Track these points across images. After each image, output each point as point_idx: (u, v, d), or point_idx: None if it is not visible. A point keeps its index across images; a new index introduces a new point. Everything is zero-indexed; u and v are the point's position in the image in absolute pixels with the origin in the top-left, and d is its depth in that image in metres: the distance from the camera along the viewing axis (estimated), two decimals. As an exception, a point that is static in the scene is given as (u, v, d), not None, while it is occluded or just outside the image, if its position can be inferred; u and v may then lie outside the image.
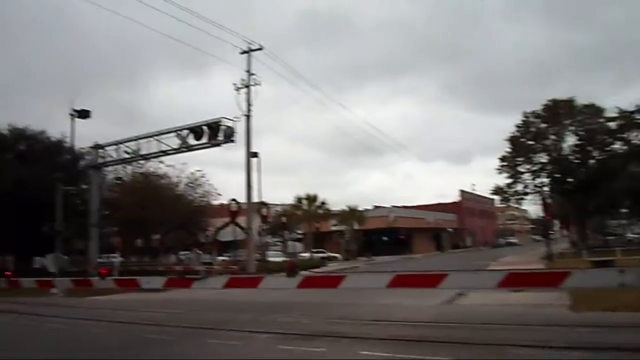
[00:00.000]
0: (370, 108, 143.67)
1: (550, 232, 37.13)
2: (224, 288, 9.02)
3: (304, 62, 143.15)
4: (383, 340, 8.80)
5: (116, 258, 30.51)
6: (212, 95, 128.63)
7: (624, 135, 37.56)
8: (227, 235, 35.88)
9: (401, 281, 7.36)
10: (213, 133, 23.73)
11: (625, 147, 37.64)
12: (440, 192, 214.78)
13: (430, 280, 7.31)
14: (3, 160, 33.04)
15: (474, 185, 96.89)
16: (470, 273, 7.29)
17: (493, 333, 9.09)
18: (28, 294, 19.18)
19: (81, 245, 32.75)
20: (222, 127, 23.68)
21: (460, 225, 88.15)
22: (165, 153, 26.55)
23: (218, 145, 24.29)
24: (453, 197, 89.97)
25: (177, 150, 25.57)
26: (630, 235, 55.51)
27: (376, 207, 71.06)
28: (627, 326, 9.22)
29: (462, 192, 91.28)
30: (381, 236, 63.13)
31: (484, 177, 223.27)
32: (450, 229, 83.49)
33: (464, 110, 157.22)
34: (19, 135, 35.02)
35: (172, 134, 24.88)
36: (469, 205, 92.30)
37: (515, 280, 6.97)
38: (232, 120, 24.34)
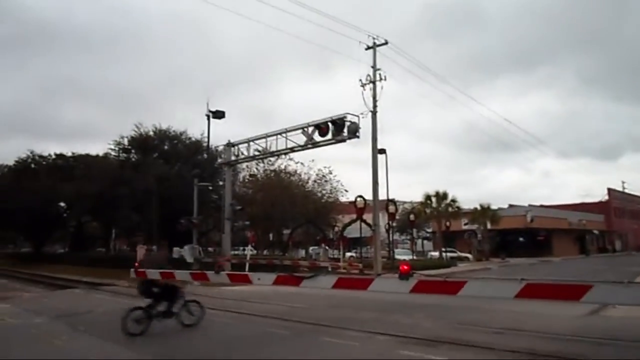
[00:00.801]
0: (503, 102, 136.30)
1: None
2: (332, 288, 8.63)
3: (432, 55, 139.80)
4: (514, 352, 7.92)
5: (249, 251, 31.80)
6: (338, 93, 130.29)
7: None
8: (354, 231, 35.85)
9: (533, 291, 6.34)
10: (338, 129, 23.59)
11: None
12: (585, 190, 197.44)
13: (570, 292, 6.22)
14: (149, 159, 36.07)
15: (624, 183, 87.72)
16: (621, 286, 6.08)
17: (650, 354, 7.81)
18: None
19: (217, 238, 34.64)
20: (347, 122, 23.45)
21: (609, 227, 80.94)
22: (292, 150, 26.96)
23: (343, 141, 24.12)
24: (599, 196, 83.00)
25: (303, 147, 25.84)
26: None
27: (511, 205, 67.34)
28: None
29: (611, 190, 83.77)
30: (517, 237, 60.10)
31: (637, 175, 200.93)
32: (596, 231, 76.83)
33: (610, 102, 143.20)
34: (163, 136, 38.01)
35: (298, 131, 25.15)
36: (618, 205, 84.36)
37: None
38: (356, 116, 24.04)
